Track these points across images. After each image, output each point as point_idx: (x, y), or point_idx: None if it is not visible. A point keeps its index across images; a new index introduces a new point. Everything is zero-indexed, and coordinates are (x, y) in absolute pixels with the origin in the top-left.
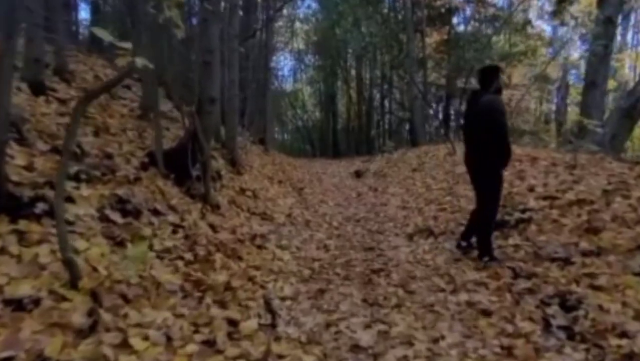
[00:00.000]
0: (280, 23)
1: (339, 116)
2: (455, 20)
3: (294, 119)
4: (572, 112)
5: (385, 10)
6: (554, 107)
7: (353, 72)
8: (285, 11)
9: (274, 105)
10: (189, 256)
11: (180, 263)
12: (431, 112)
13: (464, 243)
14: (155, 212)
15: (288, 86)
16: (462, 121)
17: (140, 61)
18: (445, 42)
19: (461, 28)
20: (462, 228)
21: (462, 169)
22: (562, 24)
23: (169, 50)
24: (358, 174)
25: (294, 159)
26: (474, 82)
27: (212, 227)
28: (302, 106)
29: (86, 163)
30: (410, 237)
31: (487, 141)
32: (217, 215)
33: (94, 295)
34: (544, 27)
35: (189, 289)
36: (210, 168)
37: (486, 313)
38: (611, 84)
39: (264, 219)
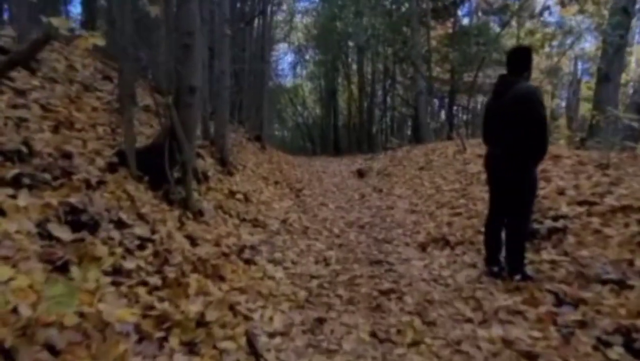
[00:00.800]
0: (279, 17)
1: (340, 112)
2: (460, 12)
3: (294, 115)
4: (583, 107)
5: (388, 2)
6: (562, 103)
7: (354, 67)
8: (285, 6)
9: (273, 101)
10: (155, 279)
11: (142, 291)
12: (437, 107)
13: (495, 269)
14: (119, 223)
15: (288, 82)
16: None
17: (57, 22)
18: (450, 36)
19: (466, 21)
20: (481, 237)
21: (475, 168)
22: (581, 12)
23: (153, 35)
24: (361, 174)
25: (293, 157)
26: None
27: (191, 239)
28: (302, 102)
29: (33, 165)
30: (422, 247)
31: (522, 136)
32: (200, 224)
33: (5, 352)
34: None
35: (148, 329)
36: (193, 169)
37: (530, 357)
38: (623, 78)
39: (255, 227)
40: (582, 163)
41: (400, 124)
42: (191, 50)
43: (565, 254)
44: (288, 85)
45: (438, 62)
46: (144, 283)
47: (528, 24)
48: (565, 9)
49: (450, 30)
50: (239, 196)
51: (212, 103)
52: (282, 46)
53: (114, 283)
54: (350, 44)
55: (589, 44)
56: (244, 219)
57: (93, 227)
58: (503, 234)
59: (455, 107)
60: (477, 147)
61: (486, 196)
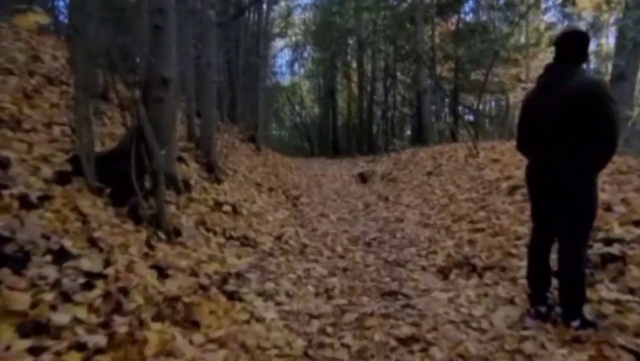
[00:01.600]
0: (275, 12)
1: (339, 112)
2: (464, 9)
3: (292, 115)
4: None
5: None
6: None
7: (354, 65)
8: (282, 1)
9: (271, 100)
10: (98, 338)
11: (73, 358)
12: (440, 107)
13: (543, 309)
14: (60, 254)
15: (285, 80)
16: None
17: None
18: (454, 33)
19: (470, 18)
20: (515, 262)
21: (492, 175)
22: (601, 5)
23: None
24: (363, 178)
25: (291, 158)
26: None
27: (160, 270)
28: (300, 101)
29: None
30: (443, 273)
31: (584, 138)
32: (174, 246)
33: None
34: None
35: None
36: (171, 177)
37: None
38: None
39: (244, 246)
40: (622, 172)
41: (401, 124)
42: (163, 33)
43: (631, 292)
44: (286, 84)
45: (441, 60)
46: (80, 346)
47: (536, 22)
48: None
49: (453, 28)
50: (226, 207)
51: (200, 100)
52: (280, 43)
53: (32, 350)
54: (350, 41)
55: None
56: (230, 237)
57: (20, 262)
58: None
59: (459, 108)
60: (490, 151)
61: (510, 208)
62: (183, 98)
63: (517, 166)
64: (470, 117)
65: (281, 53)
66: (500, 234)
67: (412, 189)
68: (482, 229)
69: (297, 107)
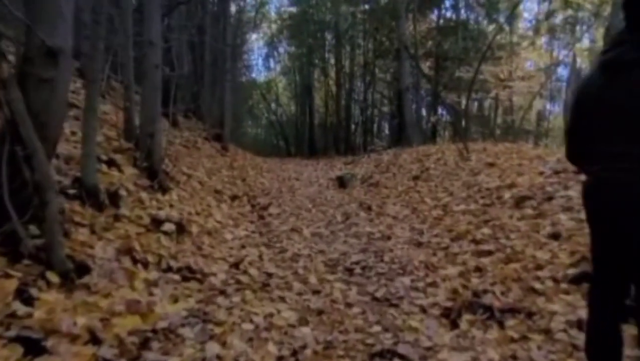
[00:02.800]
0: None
1: (316, 110)
2: (445, 5)
3: (267, 112)
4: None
5: None
6: (555, 105)
7: (332, 61)
8: None
9: (244, 97)
10: None
11: None
12: (424, 106)
13: None
14: None
15: (261, 77)
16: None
17: None
18: (437, 29)
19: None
20: (542, 303)
21: (490, 182)
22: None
23: None
24: (342, 183)
25: (263, 159)
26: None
27: (29, 343)
28: (275, 98)
29: None
30: (450, 319)
31: None
32: (71, 294)
33: None
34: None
35: None
36: (86, 188)
37: None
38: None
39: (186, 280)
40: None
41: (380, 123)
42: None
43: None
44: (261, 80)
45: (421, 57)
46: None
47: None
48: None
49: (434, 24)
50: (168, 226)
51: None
52: (254, 37)
53: None
54: (328, 36)
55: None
56: (168, 269)
57: None
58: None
59: (439, 107)
60: (481, 154)
61: (521, 225)
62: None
63: (518, 172)
64: (449, 118)
65: (256, 48)
66: (514, 260)
67: (397, 196)
68: (489, 252)
69: (272, 105)
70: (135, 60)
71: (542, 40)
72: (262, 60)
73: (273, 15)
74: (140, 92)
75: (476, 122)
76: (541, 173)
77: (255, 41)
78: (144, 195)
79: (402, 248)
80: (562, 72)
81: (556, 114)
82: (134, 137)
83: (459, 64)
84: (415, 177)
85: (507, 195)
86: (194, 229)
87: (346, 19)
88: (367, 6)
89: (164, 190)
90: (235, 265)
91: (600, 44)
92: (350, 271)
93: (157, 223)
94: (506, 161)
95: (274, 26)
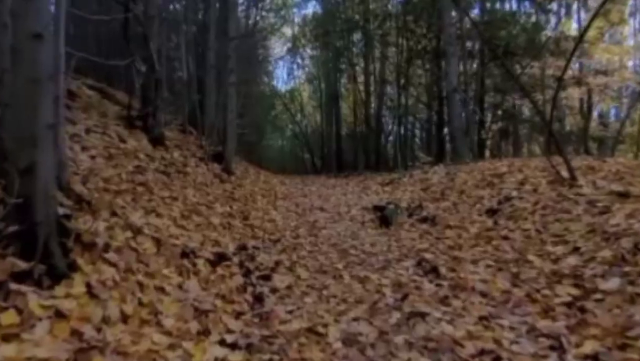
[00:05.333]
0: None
1: (344, 119)
2: None
3: (292, 123)
4: None
5: None
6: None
7: (362, 64)
8: None
9: (265, 107)
10: None
11: None
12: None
13: None
14: None
15: (285, 86)
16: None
17: None
18: (484, 23)
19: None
20: None
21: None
22: None
23: None
24: (384, 218)
25: (283, 178)
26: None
27: None
28: (299, 108)
29: None
30: None
31: None
32: None
33: None
34: None
35: None
36: None
37: None
38: None
39: None
40: None
41: (414, 132)
42: None
43: None
44: (285, 89)
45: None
46: None
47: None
48: None
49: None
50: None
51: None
52: (275, 44)
53: None
54: (356, 37)
55: None
56: None
57: None
58: None
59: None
60: (593, 174)
61: None
62: None
63: None
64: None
65: (277, 56)
66: None
67: (473, 245)
68: None
69: (297, 115)
70: None
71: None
72: (285, 67)
73: (297, 19)
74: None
75: (533, 127)
76: None
77: (277, 46)
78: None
79: None
80: None
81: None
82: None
83: (513, 60)
84: (493, 212)
85: None
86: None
87: (376, 16)
88: None
89: (55, 277)
90: None
91: None
92: None
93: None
94: None
95: (297, 29)
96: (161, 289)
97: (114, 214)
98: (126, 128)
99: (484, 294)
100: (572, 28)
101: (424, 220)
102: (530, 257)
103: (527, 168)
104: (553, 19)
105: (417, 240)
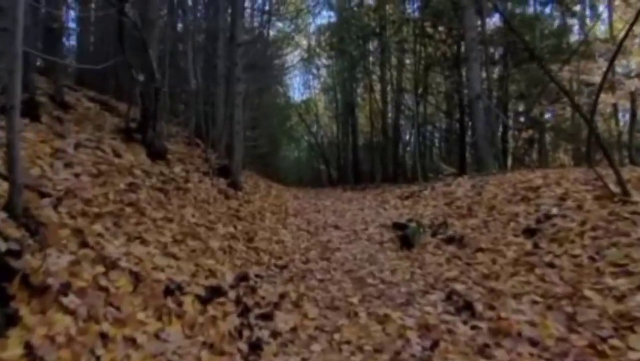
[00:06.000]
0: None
1: (360, 130)
2: None
3: (307, 135)
4: None
5: None
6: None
7: (378, 72)
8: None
9: (280, 118)
10: None
11: None
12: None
13: None
14: None
15: (299, 96)
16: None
17: None
18: (506, 27)
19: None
20: None
21: None
22: None
23: None
24: (405, 238)
25: (297, 191)
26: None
27: None
28: (315, 119)
29: None
30: None
31: None
32: None
33: None
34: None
35: None
36: None
37: None
38: None
39: None
40: None
41: (433, 143)
42: None
43: None
44: (298, 100)
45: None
46: None
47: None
48: None
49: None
50: None
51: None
52: (290, 55)
53: None
54: (372, 45)
55: None
56: None
57: None
58: None
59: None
60: None
61: None
62: None
63: None
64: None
65: (292, 66)
66: None
67: (511, 273)
68: None
69: (313, 126)
70: None
71: None
72: (300, 78)
73: (312, 28)
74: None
75: (562, 136)
76: None
77: (292, 57)
78: None
79: None
80: None
81: None
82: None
83: (540, 65)
84: (531, 232)
85: None
86: None
87: (393, 22)
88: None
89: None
90: None
91: None
92: None
93: None
94: None
95: (312, 38)
96: (132, 341)
97: (84, 244)
98: (124, 142)
99: (533, 343)
100: (600, 30)
101: (450, 240)
102: (587, 292)
103: (566, 180)
104: (577, 22)
105: (444, 266)
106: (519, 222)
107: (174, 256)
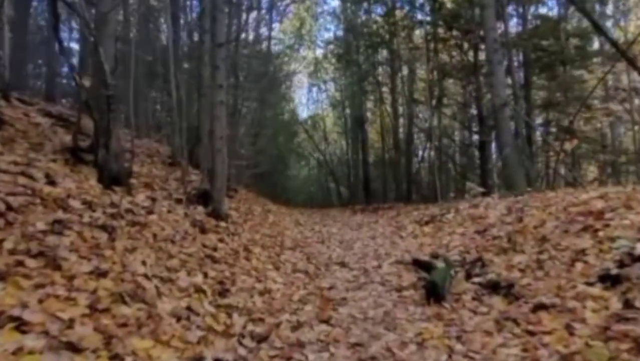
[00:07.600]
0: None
1: (370, 145)
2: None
3: (315, 151)
4: None
5: None
6: None
7: (389, 84)
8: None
9: (286, 135)
10: None
11: None
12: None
13: None
14: None
15: (306, 112)
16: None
17: None
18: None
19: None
20: None
21: None
22: None
23: None
24: (433, 287)
25: (301, 214)
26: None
27: None
28: (323, 135)
29: None
30: None
31: None
32: None
33: None
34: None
35: None
36: None
37: None
38: None
39: None
40: None
41: (448, 158)
42: None
43: None
44: (305, 115)
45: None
46: None
47: None
48: None
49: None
50: None
51: None
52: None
53: None
54: (383, 54)
55: None
56: None
57: None
58: None
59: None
60: None
61: None
62: None
63: None
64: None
65: (299, 81)
66: None
67: (606, 359)
68: None
69: (321, 143)
70: None
71: None
72: (306, 93)
73: (319, 41)
74: None
75: (594, 147)
76: None
77: (299, 77)
78: None
79: None
80: None
81: None
82: None
83: (567, 70)
84: (612, 280)
85: None
86: None
87: (403, 28)
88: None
89: None
90: None
91: None
92: None
93: None
94: None
95: (319, 51)
96: None
97: None
98: (68, 164)
99: None
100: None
101: (494, 288)
102: None
103: (638, 203)
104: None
105: (494, 336)
106: (589, 263)
107: (74, 347)
